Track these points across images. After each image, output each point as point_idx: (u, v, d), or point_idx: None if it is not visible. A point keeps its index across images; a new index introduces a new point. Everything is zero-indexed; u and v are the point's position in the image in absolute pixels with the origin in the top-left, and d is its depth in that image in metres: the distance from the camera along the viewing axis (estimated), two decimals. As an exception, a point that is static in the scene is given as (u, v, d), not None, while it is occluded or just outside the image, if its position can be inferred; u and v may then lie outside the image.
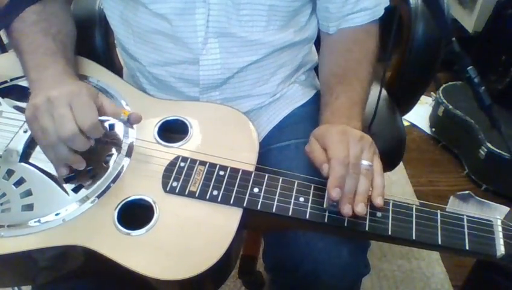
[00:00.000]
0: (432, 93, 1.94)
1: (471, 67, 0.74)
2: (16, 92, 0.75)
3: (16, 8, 0.71)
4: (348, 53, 0.78)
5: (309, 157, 0.65)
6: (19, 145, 0.69)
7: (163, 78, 0.78)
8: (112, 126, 0.71)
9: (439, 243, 0.59)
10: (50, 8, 0.73)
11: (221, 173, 0.65)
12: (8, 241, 0.60)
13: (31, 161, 0.68)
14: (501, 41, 1.80)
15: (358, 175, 0.60)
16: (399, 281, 1.34)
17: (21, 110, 0.73)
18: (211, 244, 0.60)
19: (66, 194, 0.65)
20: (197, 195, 0.63)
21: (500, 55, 1.78)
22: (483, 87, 0.74)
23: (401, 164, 1.37)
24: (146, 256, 0.59)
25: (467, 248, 0.59)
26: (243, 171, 0.66)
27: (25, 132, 0.70)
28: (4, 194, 0.64)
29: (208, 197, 0.63)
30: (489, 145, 1.59)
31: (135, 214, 0.63)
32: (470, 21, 2.00)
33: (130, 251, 0.59)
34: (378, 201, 0.60)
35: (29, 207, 0.63)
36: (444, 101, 1.82)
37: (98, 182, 0.65)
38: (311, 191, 0.63)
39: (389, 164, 0.99)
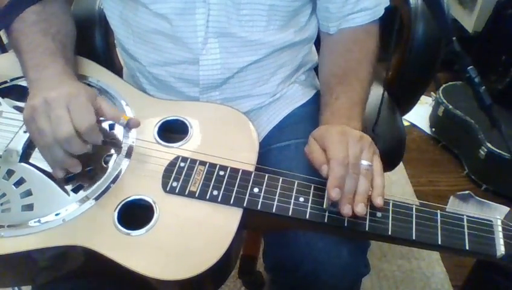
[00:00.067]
0: (432, 93, 1.94)
1: (471, 67, 0.74)
2: (16, 92, 0.75)
3: (16, 8, 0.71)
4: (348, 53, 0.78)
5: (308, 158, 0.65)
6: (19, 145, 0.69)
7: (163, 78, 0.78)
8: (111, 126, 0.71)
9: (439, 243, 0.59)
10: (50, 9, 0.73)
11: (221, 173, 0.65)
12: (8, 242, 0.60)
13: (31, 161, 0.68)
14: (501, 41, 1.80)
15: (358, 175, 0.60)
16: (399, 281, 1.34)
17: (21, 110, 0.73)
18: (211, 245, 0.60)
19: (66, 194, 0.65)
20: (197, 195, 0.64)
21: (500, 55, 1.78)
22: (483, 87, 0.74)
23: (401, 164, 1.37)
24: (146, 256, 0.59)
25: (467, 248, 0.59)
26: (243, 171, 0.66)
27: (25, 132, 0.70)
28: (4, 194, 0.64)
29: (208, 197, 0.63)
30: (489, 145, 1.59)
31: (135, 214, 0.63)
32: (470, 21, 2.00)
33: (130, 251, 0.59)
34: (378, 201, 0.60)
35: (29, 207, 0.63)
36: (444, 101, 1.82)
37: (98, 182, 0.65)
38: (311, 191, 0.63)
39: (389, 164, 0.99)
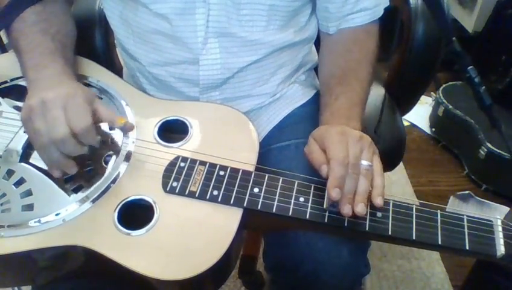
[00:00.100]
0: (432, 93, 1.94)
1: (471, 67, 0.74)
2: (16, 92, 0.75)
3: (16, 8, 0.71)
4: (347, 53, 0.78)
5: (308, 159, 0.65)
6: (19, 145, 0.69)
7: (163, 78, 0.78)
8: (111, 127, 0.71)
9: (439, 243, 0.59)
10: (50, 9, 0.73)
11: (222, 173, 0.65)
12: (8, 242, 0.60)
13: (31, 161, 0.68)
14: (501, 41, 1.80)
15: (358, 175, 0.60)
16: (399, 281, 1.34)
17: (21, 110, 0.73)
18: (211, 245, 0.60)
19: (66, 195, 0.65)
20: (197, 195, 0.64)
21: (500, 55, 1.78)
22: (483, 87, 0.75)
23: (401, 164, 1.37)
24: (146, 256, 0.59)
25: (467, 248, 0.59)
26: (243, 171, 0.66)
27: (25, 132, 0.70)
28: (4, 194, 0.64)
29: (208, 197, 0.63)
30: (489, 145, 1.59)
31: (135, 214, 0.63)
32: (470, 21, 2.00)
33: (130, 251, 0.59)
34: (378, 201, 0.60)
35: (29, 207, 0.63)
36: (444, 101, 1.82)
37: (98, 182, 0.65)
38: (311, 191, 0.63)
39: (389, 164, 0.99)
